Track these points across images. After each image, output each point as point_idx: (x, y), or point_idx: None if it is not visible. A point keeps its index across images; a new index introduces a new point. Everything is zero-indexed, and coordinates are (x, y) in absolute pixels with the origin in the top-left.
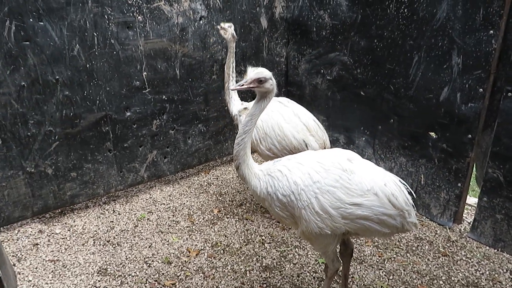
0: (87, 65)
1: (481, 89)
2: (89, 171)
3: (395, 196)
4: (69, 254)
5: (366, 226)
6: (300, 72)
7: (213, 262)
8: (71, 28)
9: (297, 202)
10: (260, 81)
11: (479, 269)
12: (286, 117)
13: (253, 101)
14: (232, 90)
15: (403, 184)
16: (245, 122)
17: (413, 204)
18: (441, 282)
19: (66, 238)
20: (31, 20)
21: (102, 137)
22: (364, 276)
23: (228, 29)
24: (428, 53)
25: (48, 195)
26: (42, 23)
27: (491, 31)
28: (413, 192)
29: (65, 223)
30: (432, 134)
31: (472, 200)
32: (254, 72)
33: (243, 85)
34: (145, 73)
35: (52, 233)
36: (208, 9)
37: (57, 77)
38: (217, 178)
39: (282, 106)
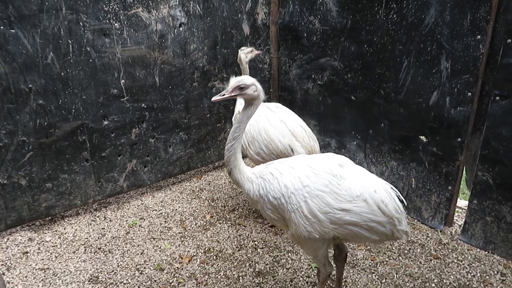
0: (62, 73)
1: (469, 93)
2: (66, 181)
3: (385, 203)
4: (59, 262)
5: (354, 232)
6: (291, 77)
7: (205, 268)
8: (44, 35)
9: (287, 205)
10: (241, 88)
11: (470, 272)
12: (272, 122)
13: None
14: (213, 101)
15: (394, 191)
16: (234, 128)
17: (405, 211)
18: (433, 284)
19: (57, 246)
20: (1, 27)
21: (79, 147)
22: (357, 280)
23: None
24: (418, 58)
25: (22, 207)
26: (13, 31)
27: (479, 36)
28: (404, 200)
29: (56, 231)
30: (423, 138)
31: (462, 203)
32: (234, 80)
33: (224, 94)
34: (123, 81)
35: (42, 241)
36: (188, 16)
37: (30, 85)
38: (209, 184)
39: (269, 112)
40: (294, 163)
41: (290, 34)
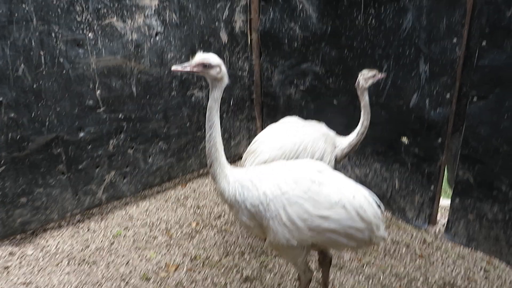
0: (34, 85)
1: (448, 95)
2: (41, 195)
3: (364, 209)
4: (42, 276)
5: (333, 239)
6: (273, 83)
7: (192, 276)
8: (14, 47)
9: (265, 213)
10: (204, 66)
11: (454, 269)
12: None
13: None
14: (173, 70)
15: (372, 196)
16: (208, 116)
17: (383, 216)
18: (419, 283)
19: (39, 259)
20: None
21: (54, 160)
22: (344, 282)
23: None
24: (397, 62)
25: None
26: None
27: (455, 40)
28: (382, 206)
29: (37, 244)
30: (404, 139)
31: (445, 202)
32: (200, 56)
33: (186, 67)
34: (98, 91)
35: (24, 254)
36: (164, 25)
37: (1, 98)
38: (194, 191)
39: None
40: (274, 170)
41: (271, 40)
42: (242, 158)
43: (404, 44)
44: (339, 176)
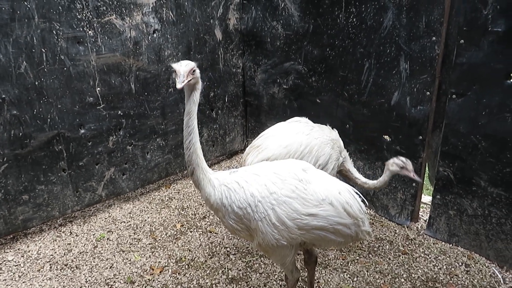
0: (36, 83)
1: (428, 93)
2: (43, 192)
3: (350, 204)
4: (23, 282)
5: (321, 236)
6: (257, 82)
7: (178, 278)
8: (17, 44)
9: (253, 214)
10: (193, 72)
11: (436, 265)
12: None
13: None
14: (179, 88)
15: (357, 192)
16: (186, 122)
17: (367, 212)
18: (402, 280)
19: (20, 264)
20: None
21: (55, 157)
22: (329, 280)
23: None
24: (378, 60)
25: None
26: None
27: (434, 38)
28: (366, 201)
29: (18, 249)
30: (386, 137)
31: (426, 198)
32: (185, 65)
33: (184, 80)
34: (98, 88)
35: (4, 260)
36: (161, 22)
37: (3, 96)
38: (178, 192)
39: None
40: (259, 170)
41: (254, 39)
42: (245, 152)
43: (385, 42)
44: (323, 174)
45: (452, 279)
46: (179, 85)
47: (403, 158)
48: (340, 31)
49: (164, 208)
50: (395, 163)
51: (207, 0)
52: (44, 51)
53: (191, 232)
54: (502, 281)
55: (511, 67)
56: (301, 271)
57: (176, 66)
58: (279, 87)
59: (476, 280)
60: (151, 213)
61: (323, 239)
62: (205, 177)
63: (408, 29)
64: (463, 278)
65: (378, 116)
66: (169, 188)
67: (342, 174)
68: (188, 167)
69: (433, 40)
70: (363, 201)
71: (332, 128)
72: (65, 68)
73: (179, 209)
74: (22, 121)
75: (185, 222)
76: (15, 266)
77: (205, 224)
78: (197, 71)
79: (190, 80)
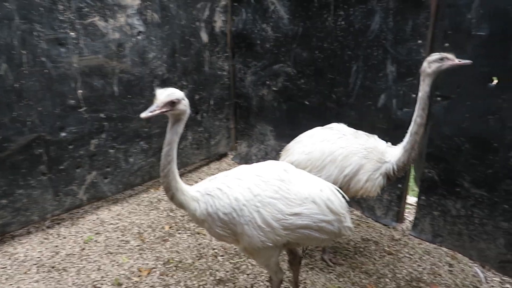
0: (16, 85)
1: (414, 95)
2: (22, 197)
3: (331, 200)
4: (10, 285)
5: (306, 235)
6: (246, 84)
7: (165, 280)
8: None
9: (239, 219)
10: (173, 104)
11: (421, 264)
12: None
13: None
14: (143, 118)
15: (337, 189)
16: (166, 152)
17: (348, 208)
18: (387, 279)
19: (7, 267)
20: None
21: (35, 160)
22: (315, 280)
23: None
24: (365, 63)
25: None
26: None
27: (420, 41)
28: (346, 197)
29: (5, 252)
30: None
31: (412, 199)
32: (164, 94)
33: (154, 110)
34: (80, 91)
35: None
36: (146, 24)
37: None
38: None
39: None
40: (240, 174)
41: (244, 41)
42: (282, 152)
43: (372, 45)
44: (304, 173)
45: (436, 278)
46: (143, 114)
47: (434, 53)
48: (329, 34)
49: (152, 210)
50: (432, 61)
51: (193, 2)
52: (24, 52)
53: (179, 233)
54: (483, 280)
55: (494, 70)
56: (286, 272)
57: (157, 92)
58: (268, 89)
59: (458, 280)
60: (139, 215)
61: (308, 238)
62: (187, 197)
63: (394, 32)
64: (447, 277)
65: (365, 118)
66: (158, 189)
67: None
68: (166, 192)
69: (419, 44)
70: (343, 197)
71: (372, 135)
72: (46, 70)
73: (168, 211)
74: (1, 124)
75: (173, 224)
76: (2, 268)
77: (194, 226)
78: (183, 102)
79: (165, 112)
